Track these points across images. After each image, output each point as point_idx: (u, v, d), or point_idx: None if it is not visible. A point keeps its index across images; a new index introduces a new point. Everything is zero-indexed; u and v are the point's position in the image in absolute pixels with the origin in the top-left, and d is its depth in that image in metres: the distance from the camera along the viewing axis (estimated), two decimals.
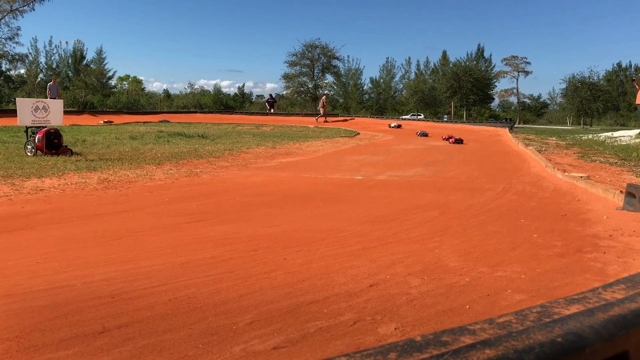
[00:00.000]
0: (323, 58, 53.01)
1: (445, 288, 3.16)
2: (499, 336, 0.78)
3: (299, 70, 53.64)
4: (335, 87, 59.73)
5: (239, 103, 60.16)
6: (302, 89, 53.75)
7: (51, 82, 24.56)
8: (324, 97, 34.37)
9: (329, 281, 3.26)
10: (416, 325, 2.59)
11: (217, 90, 63.04)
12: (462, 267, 3.59)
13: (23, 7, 42.55)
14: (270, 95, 41.43)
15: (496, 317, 0.87)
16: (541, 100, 67.28)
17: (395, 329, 2.55)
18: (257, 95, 67.94)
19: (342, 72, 58.50)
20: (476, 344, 0.75)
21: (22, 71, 49.77)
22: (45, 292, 3.00)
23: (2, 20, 42.44)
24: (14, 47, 45.13)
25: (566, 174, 8.06)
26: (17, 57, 45.60)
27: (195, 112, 41.24)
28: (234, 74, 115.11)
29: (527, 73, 61.65)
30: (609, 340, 0.82)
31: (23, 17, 43.63)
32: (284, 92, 51.63)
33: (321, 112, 32.30)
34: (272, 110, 38.25)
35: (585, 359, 0.78)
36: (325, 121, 30.97)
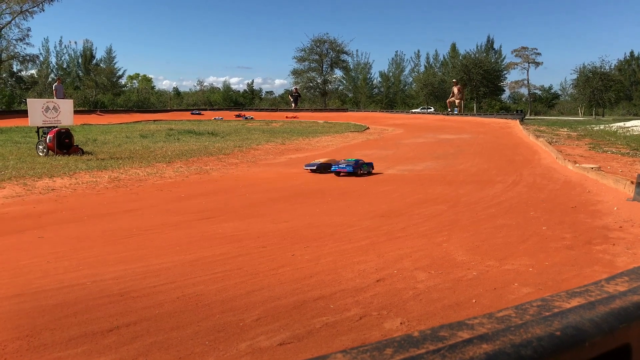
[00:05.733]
0: (332, 53, 52.81)
1: (452, 282, 3.15)
2: (497, 331, 0.78)
3: (307, 65, 53.48)
4: (345, 82, 59.54)
5: (248, 100, 60.19)
6: (311, 84, 53.61)
7: (56, 83, 24.72)
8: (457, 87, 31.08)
9: (336, 277, 3.26)
10: (422, 320, 2.59)
11: (227, 87, 63.05)
12: (470, 260, 3.58)
13: (33, 8, 42.88)
14: (296, 89, 41.32)
15: (495, 312, 0.86)
16: (552, 91, 66.62)
17: (401, 323, 2.55)
18: (267, 92, 67.91)
19: (351, 66, 58.26)
20: (473, 339, 0.74)
21: (33, 72, 50.11)
22: (56, 291, 3.02)
23: (13, 22, 42.78)
24: (24, 48, 45.45)
25: (577, 165, 8.00)
26: (27, 58, 45.97)
27: (205, 110, 41.37)
28: (243, 70, 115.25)
29: (537, 64, 61.14)
30: (609, 333, 0.81)
31: (33, 18, 43.93)
32: (294, 88, 51.71)
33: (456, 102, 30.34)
34: (296, 105, 37.94)
35: (585, 352, 0.77)
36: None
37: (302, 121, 28.04)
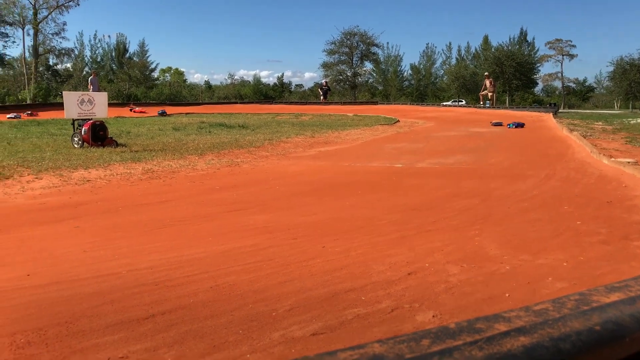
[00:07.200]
0: (362, 46, 52.60)
1: (485, 276, 3.12)
2: (535, 324, 0.77)
3: (337, 58, 53.40)
4: (375, 75, 59.21)
5: (278, 93, 60.36)
6: (340, 77, 53.48)
7: (92, 77, 25.21)
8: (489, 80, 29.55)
9: (367, 269, 3.26)
10: (454, 313, 2.58)
11: (257, 81, 63.26)
12: (503, 255, 3.54)
13: (68, 2, 43.92)
14: (325, 82, 41.09)
15: (532, 305, 0.86)
16: (587, 84, 65.16)
17: (433, 316, 2.54)
18: (296, 85, 67.97)
19: (382, 59, 57.89)
20: (510, 332, 0.74)
21: (69, 65, 51.20)
22: (92, 280, 3.10)
23: (49, 16, 43.84)
24: (60, 42, 46.72)
25: (612, 159, 7.82)
26: (63, 52, 47.19)
27: (236, 103, 41.64)
28: (273, 64, 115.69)
29: (572, 56, 59.82)
30: None
31: (69, 12, 45.13)
32: (323, 81, 51.78)
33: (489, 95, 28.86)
34: (325, 99, 37.54)
35: (625, 347, 0.76)
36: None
37: (331, 114, 27.99)
